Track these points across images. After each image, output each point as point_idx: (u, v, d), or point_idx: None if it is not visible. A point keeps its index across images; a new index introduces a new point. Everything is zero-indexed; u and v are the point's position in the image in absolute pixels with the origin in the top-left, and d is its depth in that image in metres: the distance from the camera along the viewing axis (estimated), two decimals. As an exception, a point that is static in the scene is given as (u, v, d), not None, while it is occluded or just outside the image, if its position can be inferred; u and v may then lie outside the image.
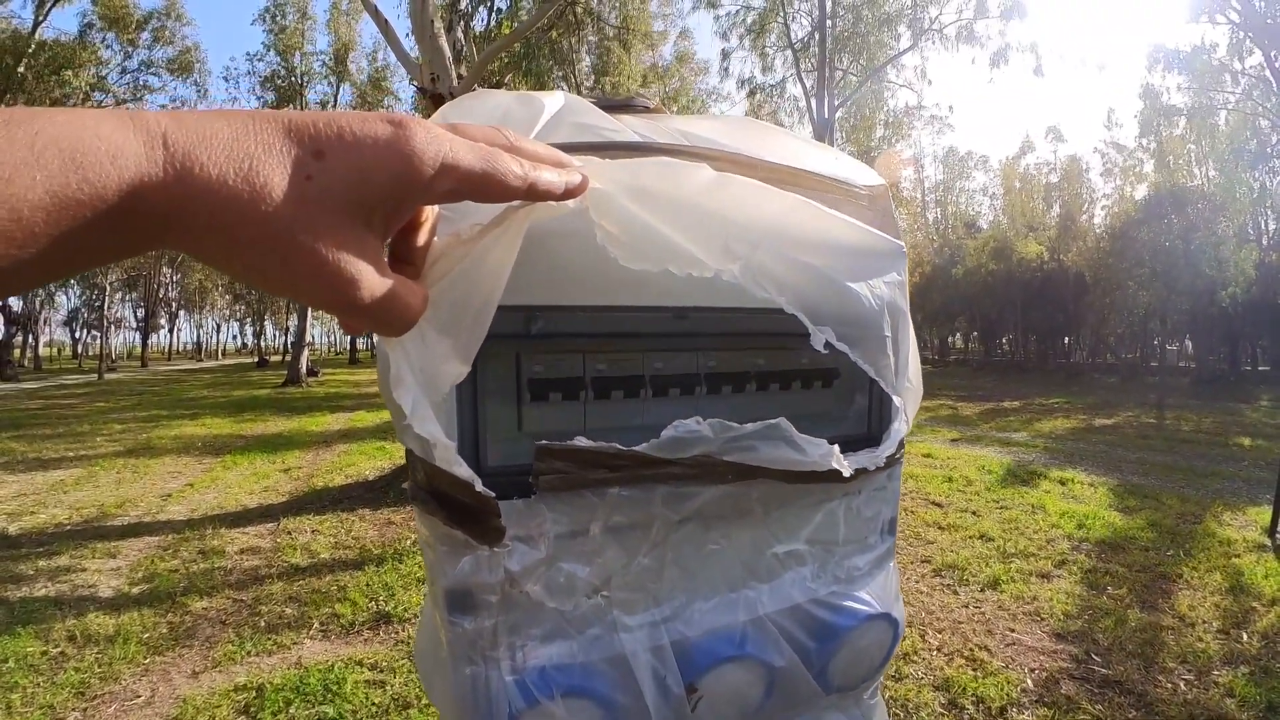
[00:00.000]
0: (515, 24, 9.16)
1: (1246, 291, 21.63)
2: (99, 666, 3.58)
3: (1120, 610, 4.31)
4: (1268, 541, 5.74)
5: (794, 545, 0.66)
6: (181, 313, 57.35)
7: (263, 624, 4.11)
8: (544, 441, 0.55)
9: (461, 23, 8.28)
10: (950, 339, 47.29)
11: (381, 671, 3.49)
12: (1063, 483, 8.04)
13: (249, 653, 3.75)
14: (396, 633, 3.99)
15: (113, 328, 40.75)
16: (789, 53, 12.09)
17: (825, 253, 0.61)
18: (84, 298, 43.27)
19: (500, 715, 0.54)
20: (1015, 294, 31.49)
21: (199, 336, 71.50)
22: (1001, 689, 3.33)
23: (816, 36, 11.09)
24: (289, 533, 5.95)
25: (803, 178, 0.66)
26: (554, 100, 0.62)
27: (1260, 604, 4.43)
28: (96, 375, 30.25)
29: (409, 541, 5.63)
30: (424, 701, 3.18)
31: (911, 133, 27.03)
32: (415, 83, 7.57)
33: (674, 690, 0.58)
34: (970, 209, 42.35)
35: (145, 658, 3.70)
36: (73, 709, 3.20)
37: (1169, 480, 8.41)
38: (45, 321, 44.14)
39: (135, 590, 4.63)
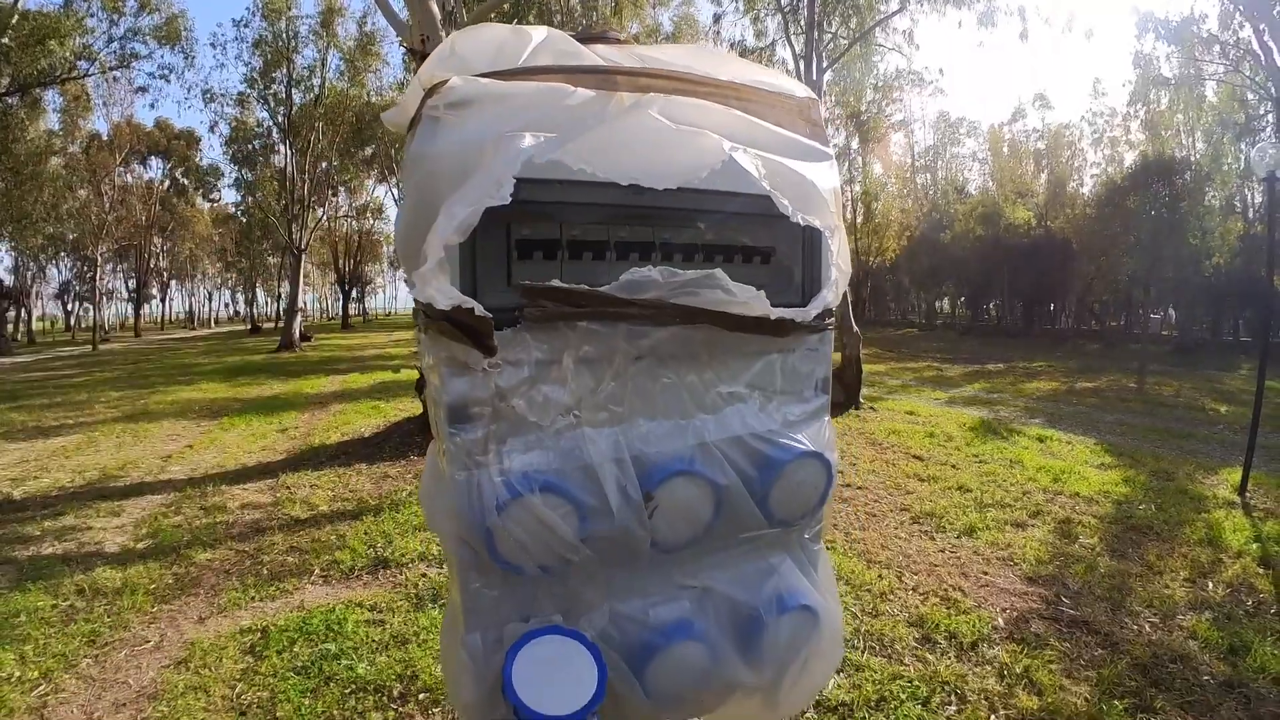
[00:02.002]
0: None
1: (1230, 262, 21.77)
2: (108, 616, 3.71)
3: (1091, 558, 4.49)
4: (1238, 499, 5.92)
5: (735, 387, 0.79)
6: (173, 282, 56.99)
7: (265, 572, 4.26)
8: (528, 281, 0.68)
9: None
10: (938, 304, 47.39)
11: (381, 612, 3.64)
12: (1041, 440, 8.24)
13: (253, 598, 3.90)
14: (394, 576, 4.14)
15: (105, 299, 40.47)
16: (780, 16, 12.07)
17: (777, 151, 0.75)
18: (74, 270, 42.96)
19: (490, 506, 0.66)
20: (1002, 259, 31.52)
21: (191, 305, 70.99)
22: (973, 626, 3.50)
23: (806, -1, 11.07)
24: (288, 488, 6.11)
25: (745, 90, 0.78)
26: (539, 33, 0.74)
27: (1227, 556, 4.60)
28: (91, 346, 30.15)
29: (405, 493, 5.79)
30: (421, 637, 3.33)
31: (901, 96, 27.02)
32: (405, 44, 7.57)
33: (633, 497, 0.71)
34: (960, 175, 42.21)
35: (153, 607, 3.84)
36: (84, 656, 3.32)
37: (1145, 441, 8.61)
38: (37, 295, 43.80)
39: (140, 545, 4.77)
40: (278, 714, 2.77)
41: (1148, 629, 3.59)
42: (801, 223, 0.75)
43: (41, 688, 3.05)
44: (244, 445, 8.08)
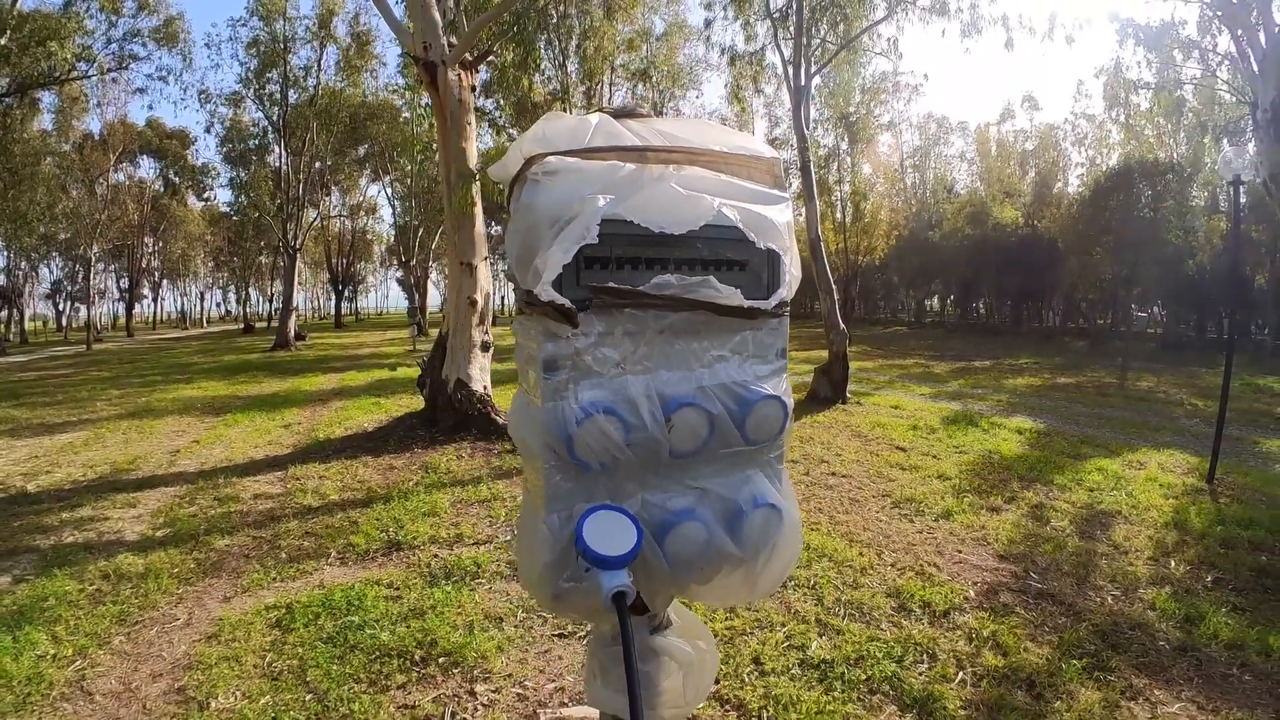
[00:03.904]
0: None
1: (1215, 261, 22.16)
2: (135, 598, 3.89)
3: (1061, 539, 4.76)
4: (1205, 486, 6.21)
5: (722, 352, 1.24)
6: (164, 282, 56.84)
7: (284, 555, 4.49)
8: (594, 284, 1.09)
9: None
10: (927, 302, 47.75)
11: (397, 589, 3.88)
12: (1020, 432, 8.54)
13: (274, 579, 4.12)
14: (408, 558, 4.39)
15: (97, 298, 40.41)
16: (769, 21, 12.36)
17: (748, 200, 1.19)
18: (66, 269, 42.91)
19: (570, 422, 1.08)
20: (990, 258, 31.85)
21: (183, 305, 70.67)
22: (946, 596, 3.79)
23: (794, 6, 11.33)
24: (298, 479, 6.34)
25: (730, 158, 1.22)
26: (595, 118, 1.17)
27: (1190, 537, 4.88)
28: (85, 346, 30.11)
29: (412, 483, 6.04)
30: (438, 609, 3.58)
31: (888, 98, 27.45)
32: (408, 50, 7.81)
33: (659, 418, 1.14)
34: (949, 174, 42.57)
35: (178, 588, 4.03)
36: (116, 634, 3.50)
37: (1122, 433, 8.91)
38: (29, 295, 43.64)
39: (159, 534, 4.97)
40: (309, 678, 2.98)
41: (1110, 601, 3.86)
42: (763, 247, 1.20)
43: (78, 663, 3.21)
44: (249, 440, 8.30)
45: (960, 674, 3.04)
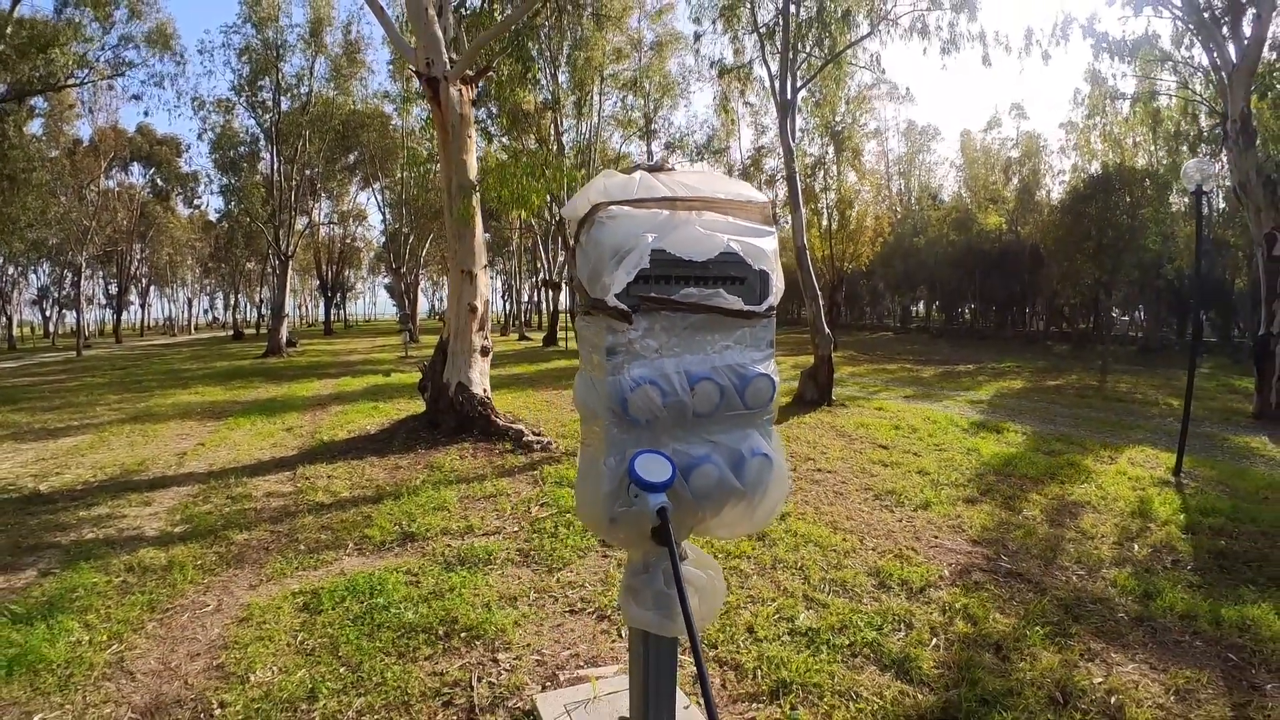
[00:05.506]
0: (504, 9, 9.73)
1: (1193, 266, 22.56)
2: (163, 588, 4.08)
3: (1031, 526, 5.09)
4: (1172, 479, 6.56)
5: (729, 342, 1.66)
6: (152, 288, 56.65)
7: (303, 548, 4.72)
8: (640, 294, 1.50)
9: (454, 4, 8.81)
10: (913, 308, 48.18)
11: (416, 575, 4.14)
12: (999, 431, 8.87)
13: (296, 568, 4.34)
14: (422, 548, 4.66)
15: (85, 304, 40.29)
16: (756, 36, 12.74)
17: (746, 235, 1.61)
18: (53, 275, 42.76)
19: (626, 389, 1.48)
20: (975, 264, 32.29)
21: (170, 311, 70.41)
22: (922, 575, 4.10)
23: (781, 21, 11.70)
24: (307, 478, 6.58)
25: (733, 203, 1.64)
26: (637, 176, 1.59)
27: (1154, 525, 5.19)
28: (75, 352, 30.15)
29: (420, 480, 6.32)
30: (457, 591, 3.87)
31: (873, 108, 28.02)
32: (411, 65, 8.11)
33: (685, 388, 1.55)
34: (933, 182, 43.14)
35: (203, 578, 4.24)
36: (148, 620, 3.68)
37: (1097, 431, 9.28)
38: (17, 301, 43.44)
39: (178, 529, 5.17)
40: (341, 653, 3.22)
41: (1074, 579, 4.17)
42: (757, 268, 1.62)
43: (115, 646, 3.38)
44: (254, 443, 8.51)
45: (934, 639, 3.35)
